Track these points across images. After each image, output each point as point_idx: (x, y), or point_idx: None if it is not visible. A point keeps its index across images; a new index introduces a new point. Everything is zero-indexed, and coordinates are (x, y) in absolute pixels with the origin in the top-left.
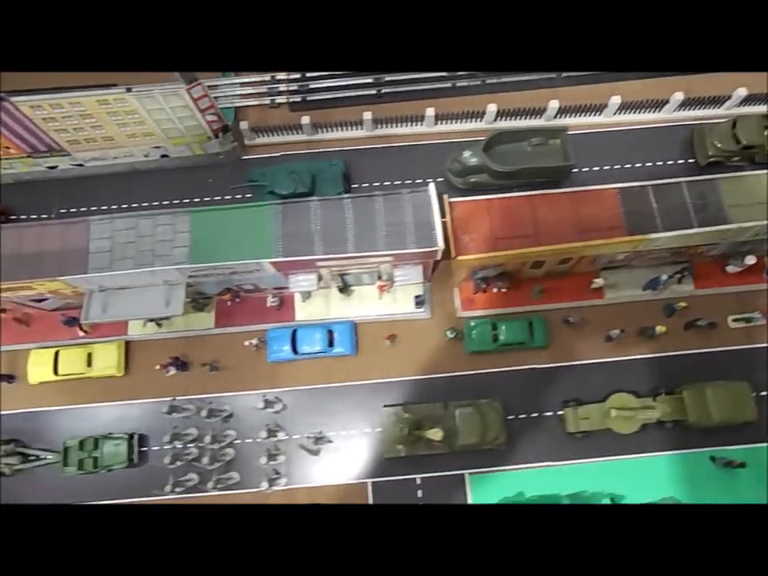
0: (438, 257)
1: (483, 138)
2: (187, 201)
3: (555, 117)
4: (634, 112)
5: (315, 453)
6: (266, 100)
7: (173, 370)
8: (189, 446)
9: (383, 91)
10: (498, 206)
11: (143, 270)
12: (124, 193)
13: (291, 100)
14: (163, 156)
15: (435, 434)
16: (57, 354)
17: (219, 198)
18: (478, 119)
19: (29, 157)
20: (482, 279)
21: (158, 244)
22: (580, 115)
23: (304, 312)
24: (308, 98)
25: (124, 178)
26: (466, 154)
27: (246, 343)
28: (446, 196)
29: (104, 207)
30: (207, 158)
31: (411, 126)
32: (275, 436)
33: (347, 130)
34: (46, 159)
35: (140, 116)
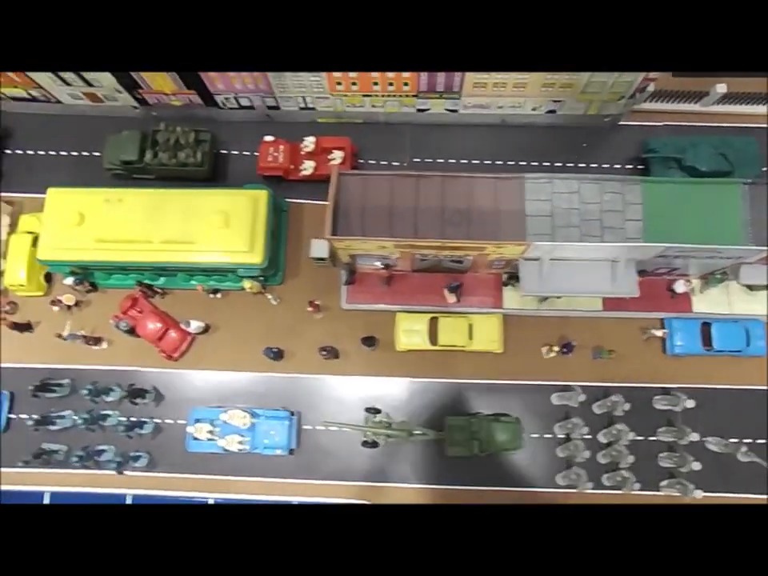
0: None
1: None
2: (559, 164)
3: None
4: None
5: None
6: None
7: (552, 353)
8: (572, 436)
9: None
10: None
11: (619, 244)
12: (483, 146)
13: None
14: (549, 112)
15: None
16: (432, 321)
17: (596, 165)
18: None
19: (414, 96)
20: None
21: (606, 214)
22: None
23: (703, 304)
24: None
25: (486, 130)
26: None
27: (660, 333)
28: None
29: (456, 160)
30: (591, 120)
31: None
32: (685, 437)
33: (755, 104)
34: (426, 101)
35: None
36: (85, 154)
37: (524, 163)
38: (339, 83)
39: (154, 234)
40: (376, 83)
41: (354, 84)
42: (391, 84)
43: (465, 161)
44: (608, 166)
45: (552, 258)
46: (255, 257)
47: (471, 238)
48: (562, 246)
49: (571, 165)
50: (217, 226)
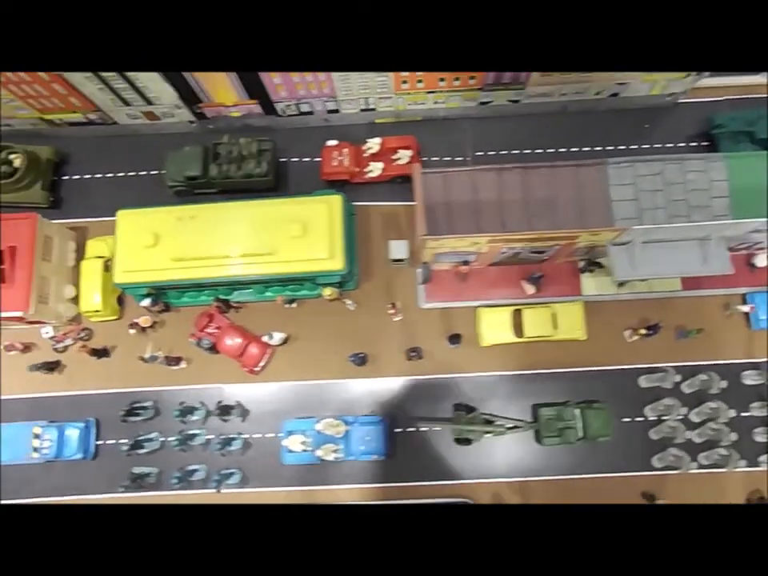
0: None
1: None
2: (623, 148)
3: None
4: None
5: None
6: None
7: (636, 337)
8: (664, 418)
9: None
10: None
11: (719, 222)
12: (544, 134)
13: None
14: (612, 95)
15: None
16: (515, 313)
17: (659, 144)
18: None
19: (477, 90)
20: None
21: (691, 193)
22: None
23: None
24: None
25: (546, 118)
26: None
27: (747, 308)
28: None
29: (519, 151)
30: (652, 100)
31: None
32: None
33: None
34: (491, 93)
35: None
36: (142, 173)
37: (587, 149)
38: (405, 82)
39: (233, 248)
40: (442, 79)
41: (419, 82)
42: (457, 79)
43: (528, 151)
44: (671, 145)
45: (643, 241)
46: (336, 263)
47: (558, 228)
48: (657, 228)
49: (635, 147)
50: (295, 235)
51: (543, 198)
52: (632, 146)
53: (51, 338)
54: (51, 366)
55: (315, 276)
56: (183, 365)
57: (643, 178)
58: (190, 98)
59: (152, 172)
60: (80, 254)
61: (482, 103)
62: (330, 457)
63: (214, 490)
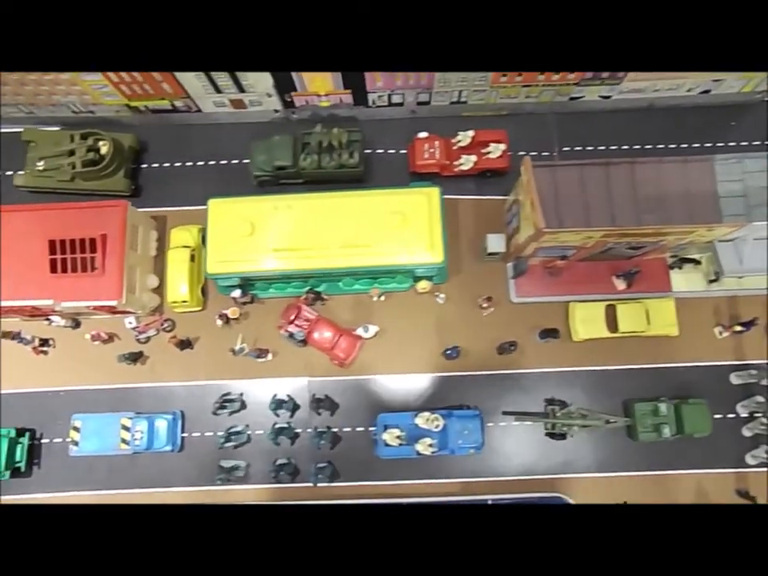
0: None
1: None
2: (709, 145)
3: None
4: None
5: None
6: None
7: (726, 333)
8: (757, 415)
9: None
10: None
11: None
12: (630, 130)
13: None
14: (703, 92)
15: None
16: (608, 308)
17: (746, 143)
18: None
19: (574, 84)
20: None
21: None
22: None
23: None
24: None
25: (632, 114)
26: None
27: None
28: None
29: (605, 146)
30: (741, 97)
31: None
32: None
33: None
34: (584, 88)
35: None
36: (222, 162)
37: (673, 145)
38: (504, 75)
39: (332, 239)
40: (541, 73)
41: (518, 75)
42: (556, 73)
43: (614, 147)
44: (758, 142)
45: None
46: (436, 255)
47: (667, 223)
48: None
49: (721, 144)
50: (395, 227)
51: (651, 193)
52: (718, 143)
53: (134, 328)
54: (135, 357)
55: (414, 268)
56: (270, 357)
57: (751, 175)
58: (285, 86)
59: (232, 161)
60: (160, 243)
61: (573, 98)
62: (428, 451)
63: (309, 484)
